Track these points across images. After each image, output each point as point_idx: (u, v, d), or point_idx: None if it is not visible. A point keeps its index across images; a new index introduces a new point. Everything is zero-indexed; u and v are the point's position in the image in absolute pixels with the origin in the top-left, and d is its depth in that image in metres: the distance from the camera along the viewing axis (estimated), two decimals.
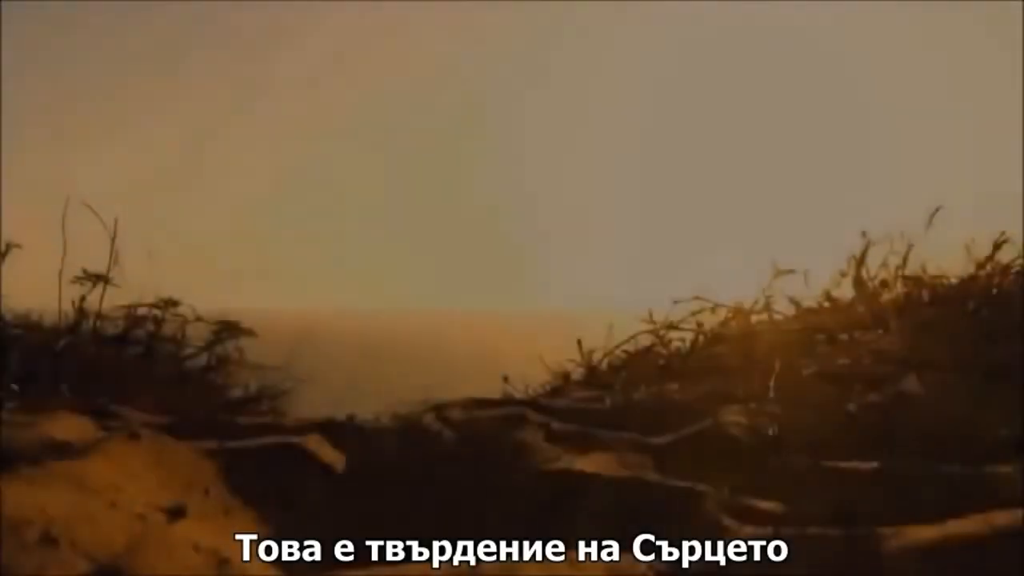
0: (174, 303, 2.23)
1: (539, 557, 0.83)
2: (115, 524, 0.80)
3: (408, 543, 1.06)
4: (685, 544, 0.93)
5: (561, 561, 0.82)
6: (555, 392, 2.17)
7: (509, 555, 0.83)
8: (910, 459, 1.16)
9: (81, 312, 2.07)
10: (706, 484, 1.05)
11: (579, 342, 2.44)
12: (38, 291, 2.10)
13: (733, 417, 1.39)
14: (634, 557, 0.86)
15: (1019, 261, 2.22)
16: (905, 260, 2.43)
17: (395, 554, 0.85)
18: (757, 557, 0.86)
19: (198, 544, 0.79)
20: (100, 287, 2.10)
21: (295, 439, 1.25)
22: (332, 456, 1.26)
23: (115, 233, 2.15)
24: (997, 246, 2.27)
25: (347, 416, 1.65)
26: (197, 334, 2.32)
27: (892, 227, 2.47)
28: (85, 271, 2.11)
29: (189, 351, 2.25)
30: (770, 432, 1.33)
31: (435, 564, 0.78)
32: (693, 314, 2.41)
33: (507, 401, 1.77)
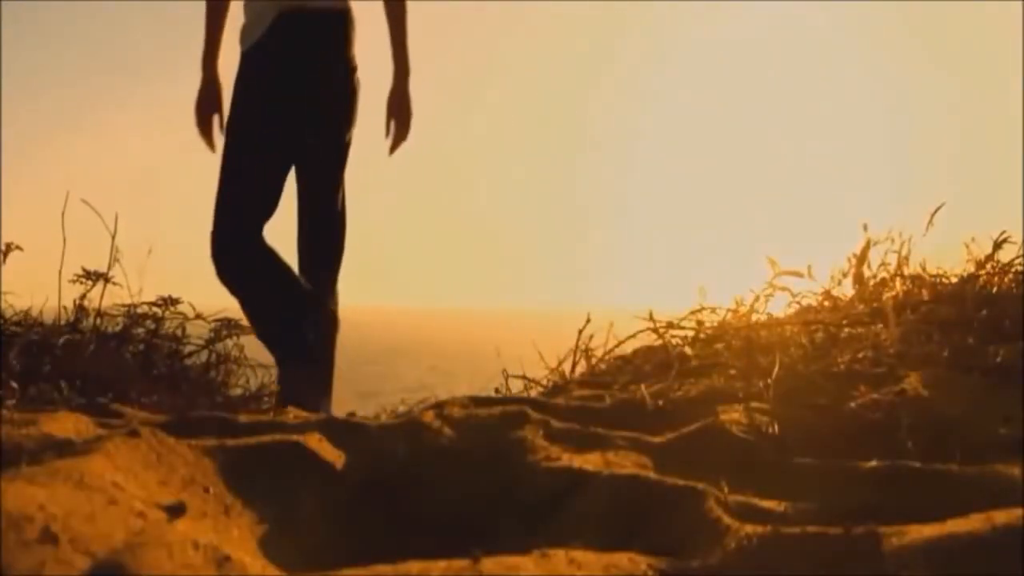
0: (174, 301, 2.23)
1: (538, 555, 0.83)
2: (115, 522, 0.80)
3: (408, 541, 1.06)
4: (685, 543, 0.93)
5: (560, 560, 0.82)
6: (555, 391, 2.17)
7: (509, 553, 0.83)
8: (910, 459, 1.16)
9: (81, 310, 2.08)
10: (706, 483, 1.05)
11: (578, 340, 2.45)
12: (38, 288, 2.11)
13: (733, 416, 1.39)
14: (634, 556, 0.86)
15: (1019, 261, 2.22)
16: (906, 258, 2.43)
17: (395, 552, 0.85)
18: (757, 556, 0.86)
19: (198, 542, 0.79)
20: (100, 284, 2.11)
21: (295, 437, 1.25)
22: (332, 454, 1.26)
23: (116, 230, 2.15)
24: (997, 246, 2.27)
25: (347, 414, 1.65)
26: (197, 332, 2.32)
27: (892, 226, 2.48)
28: (84, 269, 2.11)
29: (189, 349, 2.26)
30: (770, 431, 1.33)
31: (435, 563, 0.78)
32: (693, 313, 2.42)
33: (507, 399, 1.77)
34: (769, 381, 1.58)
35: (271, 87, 2.21)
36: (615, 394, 1.78)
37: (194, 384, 1.95)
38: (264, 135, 2.22)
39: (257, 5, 2.25)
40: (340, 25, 2.25)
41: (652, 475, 1.13)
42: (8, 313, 2.02)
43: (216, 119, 2.33)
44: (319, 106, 2.27)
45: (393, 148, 2.46)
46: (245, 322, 2.53)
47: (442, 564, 0.77)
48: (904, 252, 2.42)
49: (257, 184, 2.23)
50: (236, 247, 2.15)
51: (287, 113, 2.21)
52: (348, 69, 2.30)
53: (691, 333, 2.35)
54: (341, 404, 2.78)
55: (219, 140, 2.30)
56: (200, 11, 2.36)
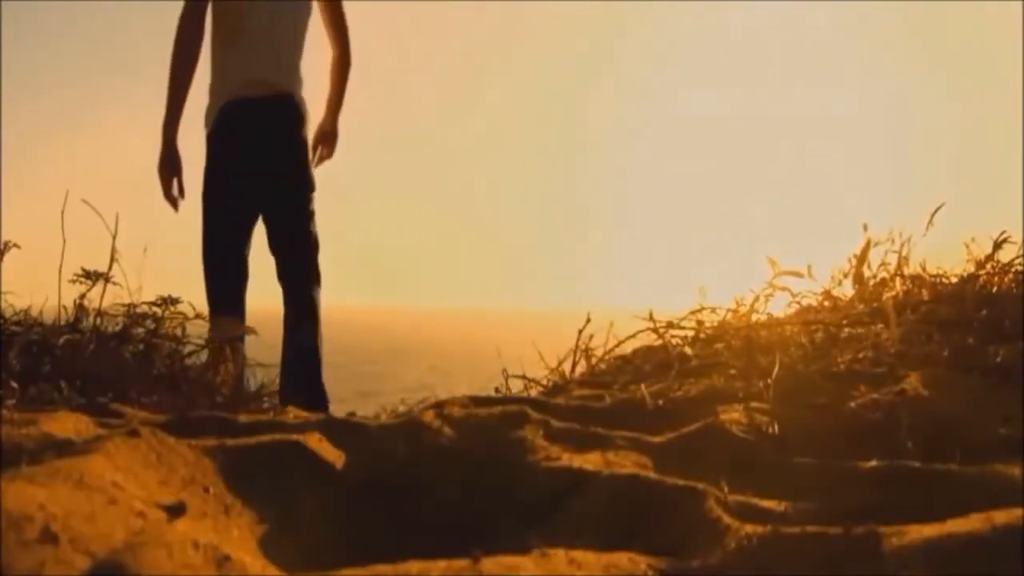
0: (174, 301, 2.23)
1: (538, 555, 0.83)
2: (115, 521, 0.80)
3: (408, 541, 1.06)
4: (685, 543, 0.93)
5: (560, 560, 0.82)
6: (555, 391, 2.17)
7: (509, 553, 0.83)
8: (910, 459, 1.16)
9: (81, 309, 2.08)
10: (706, 483, 1.05)
11: (578, 340, 2.45)
12: (38, 288, 2.11)
13: (733, 416, 1.39)
14: (634, 556, 0.86)
15: (1019, 261, 2.22)
16: (906, 258, 2.43)
17: (395, 552, 0.85)
18: (757, 556, 0.86)
19: (198, 542, 0.79)
20: (100, 284, 2.11)
21: (295, 437, 1.25)
22: (332, 454, 1.26)
23: (116, 230, 2.15)
24: (997, 246, 2.27)
25: (347, 414, 1.65)
26: (197, 332, 2.32)
27: (892, 226, 2.48)
28: (84, 269, 2.11)
29: (189, 349, 2.25)
30: (770, 431, 1.33)
31: (435, 563, 0.78)
32: (693, 312, 2.42)
33: (507, 399, 1.77)
34: (769, 381, 1.58)
35: (226, 168, 2.63)
36: (615, 394, 1.78)
37: (194, 384, 1.94)
38: (226, 207, 2.66)
39: (213, 91, 2.62)
40: (285, 107, 2.63)
41: (652, 475, 1.13)
42: (8, 313, 2.02)
43: (176, 182, 2.65)
44: (273, 176, 2.65)
45: (318, 163, 2.89)
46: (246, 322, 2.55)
47: (442, 564, 0.77)
48: (904, 252, 2.43)
49: (225, 246, 2.66)
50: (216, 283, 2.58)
51: (244, 186, 2.62)
52: (298, 143, 2.68)
53: (691, 333, 2.35)
54: (341, 404, 2.78)
55: (182, 202, 2.68)
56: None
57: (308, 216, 2.73)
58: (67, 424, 1.24)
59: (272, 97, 2.60)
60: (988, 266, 2.23)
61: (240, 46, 2.56)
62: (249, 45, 2.56)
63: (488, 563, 0.77)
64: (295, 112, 2.67)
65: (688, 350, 2.13)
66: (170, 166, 2.61)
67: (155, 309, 2.12)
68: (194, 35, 2.53)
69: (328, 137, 2.92)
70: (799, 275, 2.34)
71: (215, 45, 2.61)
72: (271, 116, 2.61)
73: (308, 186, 2.73)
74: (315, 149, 2.87)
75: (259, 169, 2.61)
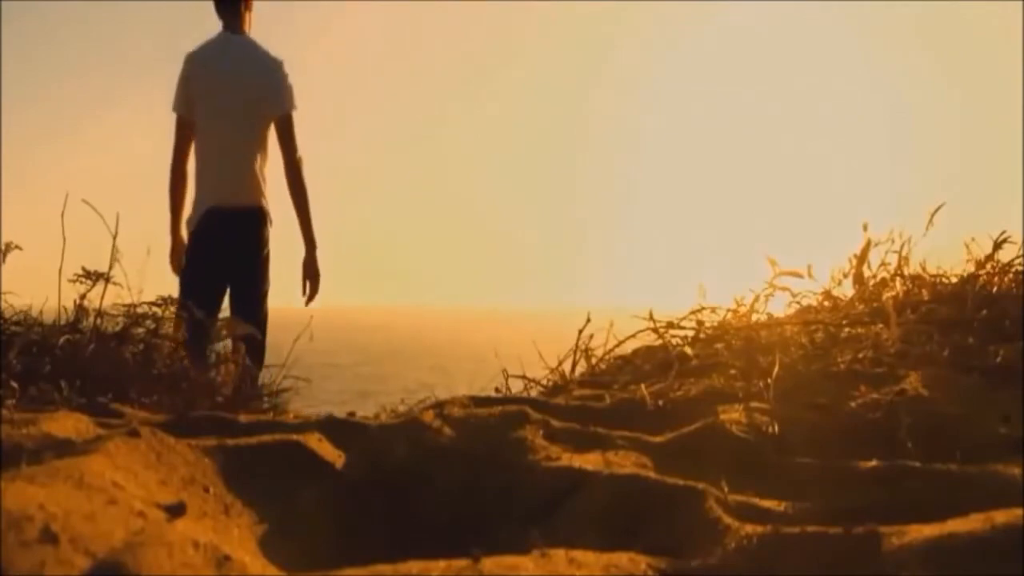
0: (174, 301, 2.23)
1: (538, 555, 0.83)
2: (115, 521, 0.80)
3: (408, 541, 1.06)
4: (685, 543, 0.93)
5: (560, 560, 0.82)
6: (555, 391, 2.17)
7: (509, 553, 0.83)
8: (910, 459, 1.16)
9: (81, 309, 2.08)
10: (706, 483, 1.05)
11: (578, 340, 2.45)
12: (38, 288, 2.11)
13: (733, 416, 1.39)
14: (634, 556, 0.86)
15: (1019, 261, 2.22)
16: (906, 258, 2.43)
17: (395, 552, 0.85)
18: (757, 556, 0.86)
19: (198, 542, 0.79)
20: (100, 284, 2.11)
21: (295, 437, 1.25)
22: (332, 454, 1.26)
23: (116, 230, 2.15)
24: (997, 245, 2.27)
25: (347, 414, 1.65)
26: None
27: (892, 226, 2.48)
28: (84, 269, 2.11)
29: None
30: (770, 431, 1.33)
31: (435, 563, 0.78)
32: (693, 312, 2.42)
33: (507, 399, 1.76)
34: (769, 381, 1.58)
35: (201, 263, 3.27)
36: (615, 394, 1.78)
37: (194, 384, 1.94)
38: (197, 291, 3.11)
39: (195, 204, 3.29)
40: (252, 217, 3.29)
41: (652, 475, 1.13)
42: (8, 313, 2.02)
43: (178, 261, 3.40)
44: (237, 270, 3.27)
45: (308, 302, 3.43)
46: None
47: (442, 564, 0.77)
48: (904, 252, 2.43)
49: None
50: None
51: (214, 273, 3.26)
52: (259, 247, 3.31)
53: (691, 333, 2.35)
54: (341, 404, 2.78)
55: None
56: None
57: (260, 302, 3.32)
58: (67, 424, 1.24)
59: (245, 208, 3.30)
60: (988, 266, 2.23)
61: (210, 171, 3.29)
62: (217, 170, 3.28)
63: (488, 563, 0.77)
64: (260, 222, 3.33)
65: (688, 350, 2.13)
66: (177, 257, 3.40)
67: (155, 309, 2.12)
68: (178, 176, 3.33)
69: (310, 275, 3.44)
70: (799, 275, 2.34)
71: (195, 168, 3.32)
72: (243, 225, 3.31)
73: (264, 279, 3.34)
74: (303, 285, 3.42)
75: (226, 264, 3.27)
